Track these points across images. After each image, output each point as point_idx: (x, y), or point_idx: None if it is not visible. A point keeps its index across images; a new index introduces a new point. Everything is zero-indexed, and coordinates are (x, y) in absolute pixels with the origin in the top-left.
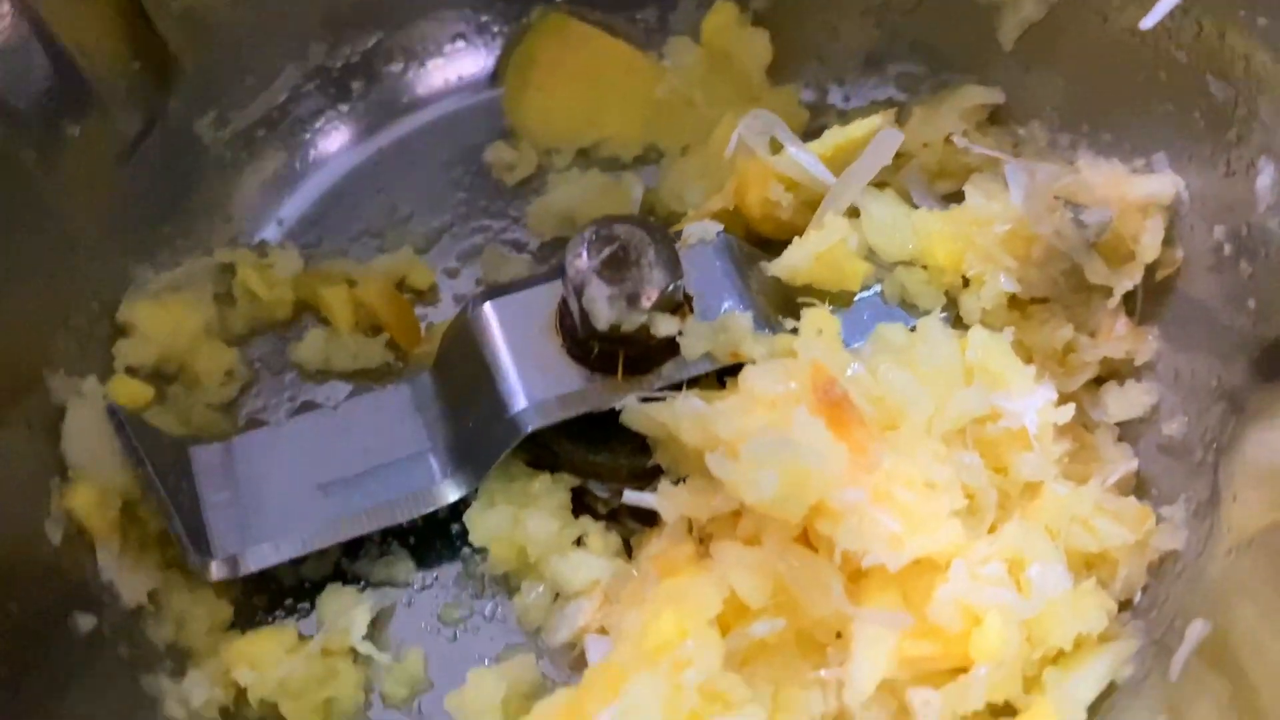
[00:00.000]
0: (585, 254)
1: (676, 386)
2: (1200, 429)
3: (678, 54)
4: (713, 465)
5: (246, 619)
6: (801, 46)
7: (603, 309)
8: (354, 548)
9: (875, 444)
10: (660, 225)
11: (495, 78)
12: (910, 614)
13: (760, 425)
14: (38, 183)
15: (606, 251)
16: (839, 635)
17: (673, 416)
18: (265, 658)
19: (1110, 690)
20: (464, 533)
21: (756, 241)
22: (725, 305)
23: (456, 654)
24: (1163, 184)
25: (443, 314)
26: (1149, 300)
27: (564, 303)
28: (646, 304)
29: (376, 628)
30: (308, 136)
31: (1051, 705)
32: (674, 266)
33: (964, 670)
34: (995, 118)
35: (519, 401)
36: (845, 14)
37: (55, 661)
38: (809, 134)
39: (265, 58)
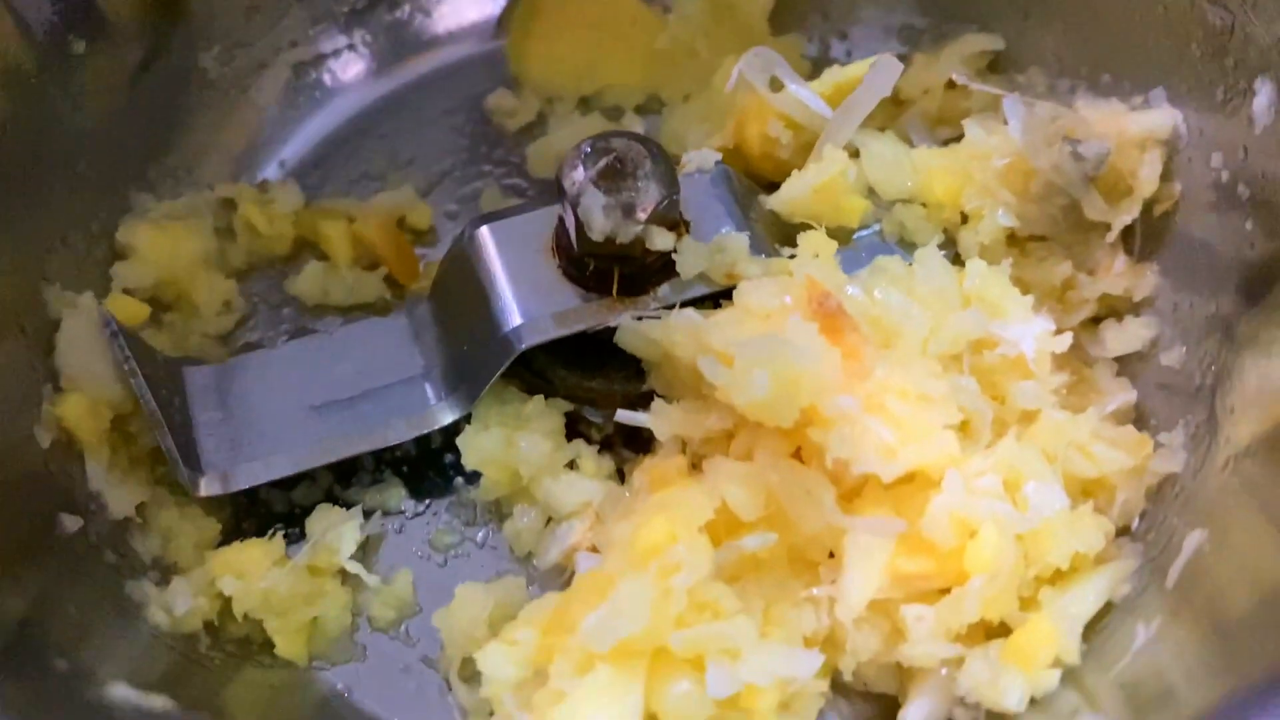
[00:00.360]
0: (581, 165)
1: (671, 310)
2: (1198, 357)
3: (681, 3)
4: (704, 368)
5: (235, 540)
6: None
7: (598, 218)
8: (347, 474)
9: (869, 350)
10: (656, 141)
11: (499, 27)
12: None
13: (753, 335)
14: (45, 94)
15: (603, 163)
16: (832, 555)
17: (666, 332)
18: (251, 568)
19: (1107, 610)
20: (458, 462)
21: (756, 182)
22: (722, 230)
23: (447, 579)
24: (1160, 118)
25: (441, 254)
26: (1147, 236)
27: (560, 221)
28: (642, 215)
29: (367, 553)
30: (313, 78)
31: (1048, 622)
32: (671, 181)
33: (957, 588)
34: (995, 66)
35: (512, 319)
36: None
37: (44, 558)
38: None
39: None
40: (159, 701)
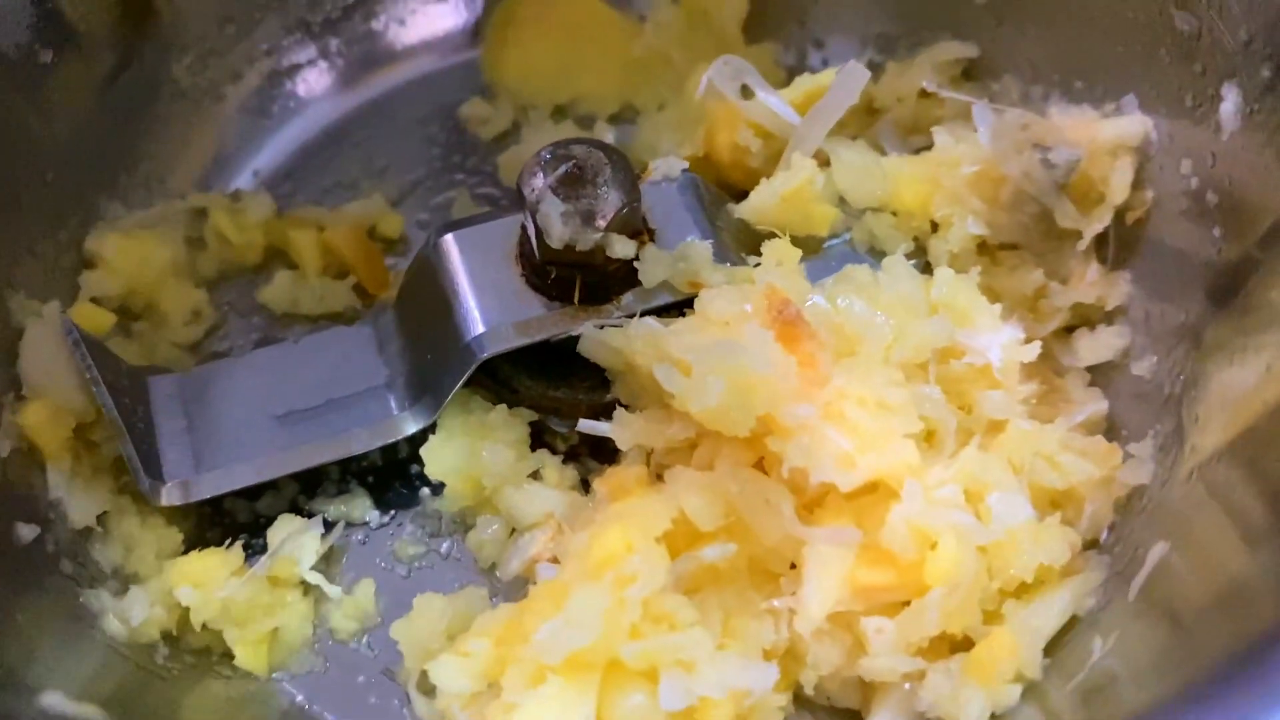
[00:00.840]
0: (541, 172)
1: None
2: (1168, 366)
3: (656, 11)
4: (660, 376)
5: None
6: (780, 6)
7: (556, 225)
8: (312, 484)
9: (826, 359)
10: (618, 148)
11: (475, 35)
12: (863, 536)
13: (710, 341)
14: (11, 104)
15: (562, 169)
16: (793, 566)
17: (627, 340)
18: (209, 577)
19: (1072, 624)
20: (423, 473)
21: (727, 191)
22: (688, 239)
23: (410, 591)
24: (1132, 125)
25: None
26: (1120, 245)
27: (524, 229)
28: (601, 223)
29: (330, 564)
30: (286, 88)
31: (1009, 635)
32: (631, 187)
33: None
34: (969, 73)
35: (475, 328)
36: None
37: None
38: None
39: (246, 7)
40: (90, 711)
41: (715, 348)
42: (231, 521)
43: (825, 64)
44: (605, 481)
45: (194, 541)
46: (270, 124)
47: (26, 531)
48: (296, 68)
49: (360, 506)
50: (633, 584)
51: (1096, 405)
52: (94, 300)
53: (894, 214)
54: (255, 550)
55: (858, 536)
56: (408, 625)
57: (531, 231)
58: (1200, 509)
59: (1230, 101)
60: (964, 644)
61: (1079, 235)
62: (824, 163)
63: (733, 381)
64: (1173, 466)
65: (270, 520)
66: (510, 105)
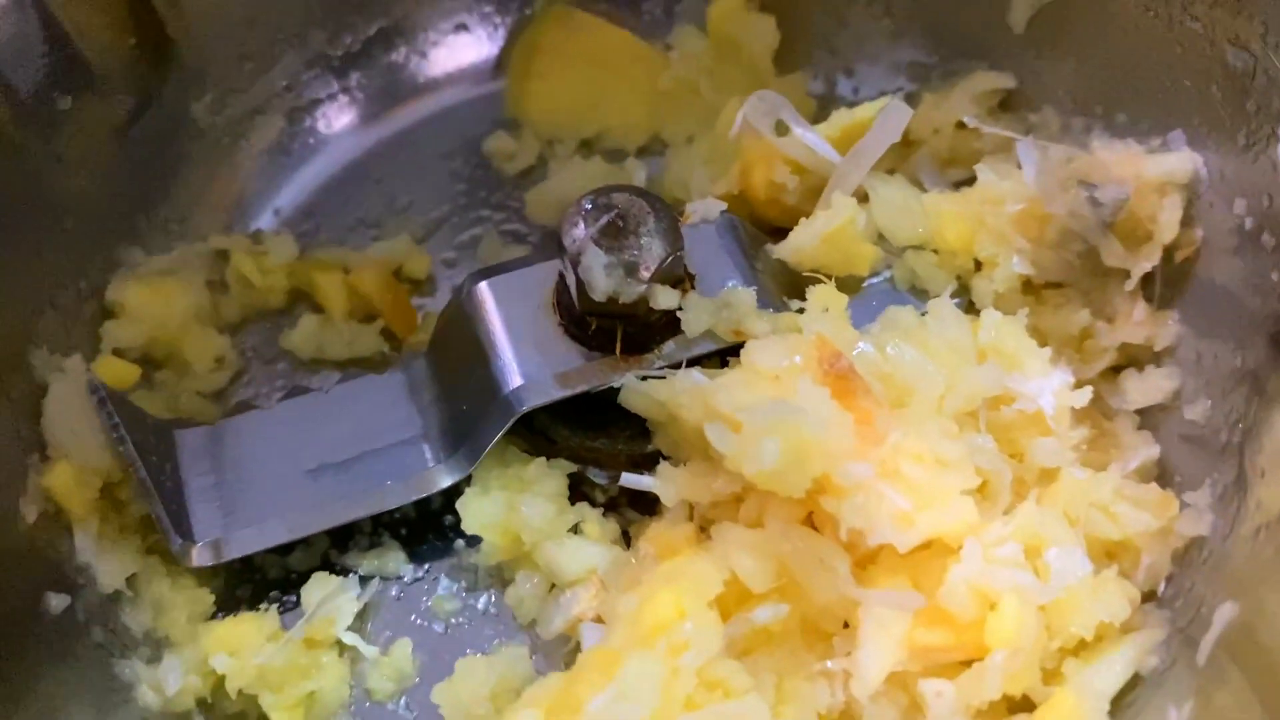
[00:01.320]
0: (582, 222)
1: (676, 368)
2: (1224, 411)
3: (684, 43)
4: (712, 436)
5: (229, 610)
6: (810, 35)
7: (599, 278)
8: (343, 539)
9: (883, 415)
10: (659, 196)
11: (498, 67)
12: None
13: (763, 398)
14: (29, 153)
15: (604, 220)
16: (846, 625)
17: (672, 393)
18: (244, 644)
19: (1135, 683)
20: (457, 524)
21: (762, 228)
22: (729, 284)
23: (447, 648)
24: (1180, 161)
25: (439, 305)
26: (1168, 284)
27: (561, 278)
28: (645, 274)
29: (364, 621)
30: (306, 125)
31: (1073, 697)
32: (674, 237)
33: (977, 662)
34: (1006, 104)
35: (514, 380)
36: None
37: (25, 643)
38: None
39: (265, 43)
40: None
41: (770, 408)
42: (262, 578)
43: (856, 92)
44: (652, 540)
45: (224, 600)
46: (290, 161)
47: (57, 601)
48: (317, 103)
49: (394, 560)
50: (687, 651)
51: (1149, 450)
52: (116, 351)
53: (935, 252)
54: (287, 607)
55: (921, 601)
56: (450, 689)
57: (572, 282)
58: (1274, 572)
59: None
60: (1023, 704)
61: (1125, 274)
62: (860, 198)
63: (789, 443)
64: (1235, 520)
65: (301, 575)
66: (535, 139)
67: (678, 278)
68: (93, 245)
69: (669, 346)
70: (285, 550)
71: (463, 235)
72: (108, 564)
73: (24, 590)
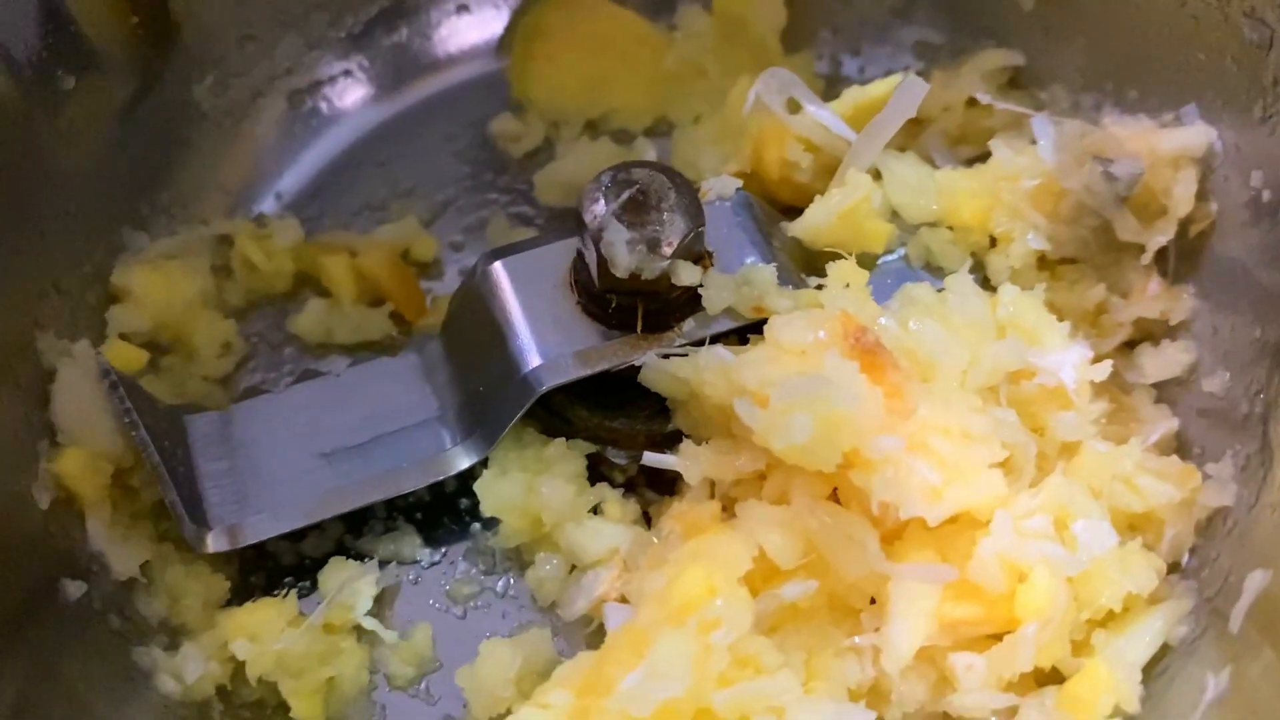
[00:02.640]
0: (603, 198)
1: (696, 345)
2: (1244, 383)
3: (689, 22)
4: (740, 411)
5: (244, 597)
6: (815, 14)
7: (622, 254)
8: (358, 523)
9: (911, 387)
10: (679, 172)
11: (500, 49)
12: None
13: (789, 373)
14: (33, 131)
15: (625, 195)
16: (873, 601)
17: (695, 370)
18: (264, 629)
19: (1164, 652)
20: (474, 508)
21: (774, 207)
22: (747, 261)
23: (467, 633)
24: (1195, 135)
25: (447, 288)
26: (1183, 258)
27: (579, 256)
28: (668, 250)
29: (382, 606)
30: (309, 107)
31: (1103, 668)
32: (696, 212)
33: (1008, 635)
34: (1015, 82)
35: (532, 359)
36: None
37: (44, 629)
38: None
39: (267, 25)
40: None
41: (800, 383)
42: (275, 564)
43: (862, 71)
44: (677, 519)
45: (239, 587)
46: (294, 144)
47: (73, 589)
48: (320, 85)
49: (410, 545)
50: (718, 629)
51: (1167, 423)
52: (122, 336)
53: (950, 229)
54: (303, 593)
55: (953, 574)
56: (473, 673)
57: (592, 259)
58: None
59: None
60: (1052, 676)
61: (1140, 248)
62: (873, 176)
63: (819, 417)
64: (1260, 490)
65: (316, 561)
66: (540, 121)
67: (699, 254)
68: (96, 229)
69: (689, 324)
70: (299, 536)
71: (469, 218)
72: (121, 551)
73: (41, 576)
